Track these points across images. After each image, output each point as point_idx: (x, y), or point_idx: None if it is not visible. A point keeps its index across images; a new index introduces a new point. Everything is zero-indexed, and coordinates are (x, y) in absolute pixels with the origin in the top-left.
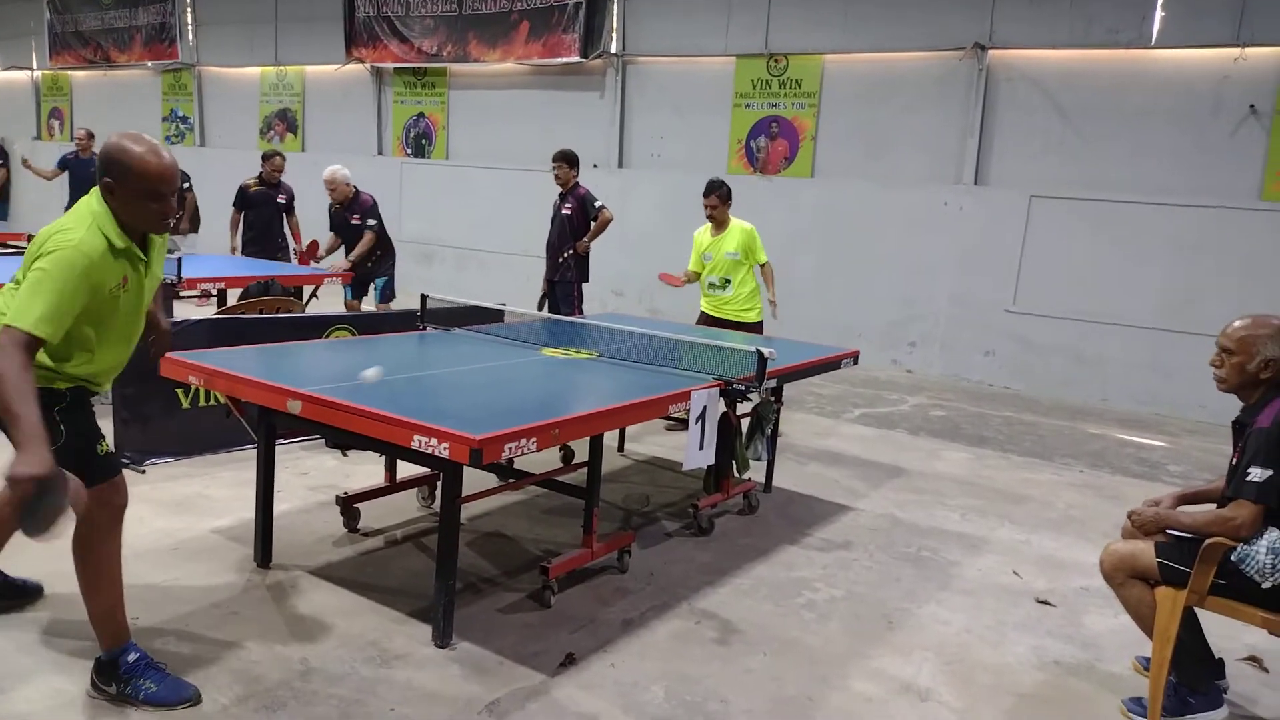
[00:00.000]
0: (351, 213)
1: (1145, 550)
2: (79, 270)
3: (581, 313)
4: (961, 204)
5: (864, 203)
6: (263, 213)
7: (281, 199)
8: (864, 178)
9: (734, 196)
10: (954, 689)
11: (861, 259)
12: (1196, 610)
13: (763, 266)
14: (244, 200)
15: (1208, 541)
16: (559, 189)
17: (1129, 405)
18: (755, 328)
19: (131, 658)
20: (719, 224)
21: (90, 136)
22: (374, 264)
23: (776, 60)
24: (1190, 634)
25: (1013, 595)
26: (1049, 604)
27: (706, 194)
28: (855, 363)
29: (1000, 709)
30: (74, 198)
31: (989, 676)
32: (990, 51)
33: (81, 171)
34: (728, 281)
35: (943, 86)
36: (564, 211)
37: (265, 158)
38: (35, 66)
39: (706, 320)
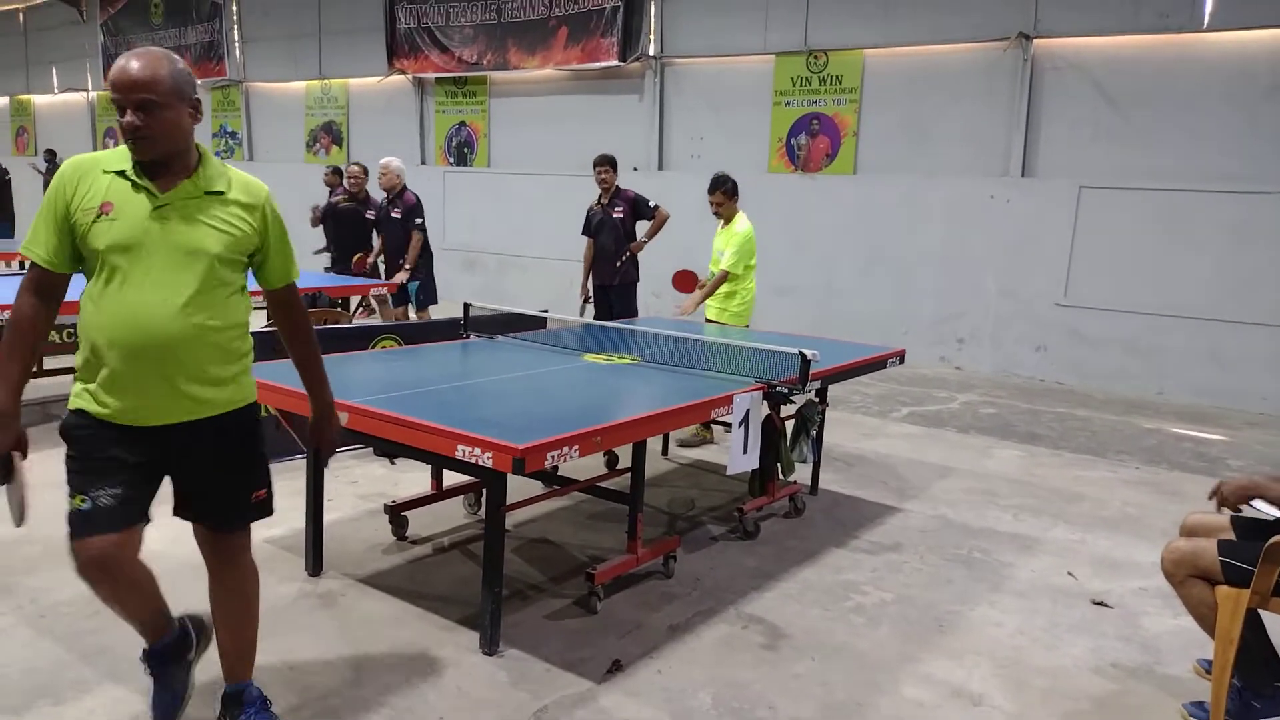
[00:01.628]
0: (394, 206)
1: (1207, 548)
2: (60, 180)
3: (638, 311)
4: (1009, 197)
5: (908, 198)
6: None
7: (371, 214)
8: (907, 173)
9: (776, 195)
10: (1007, 693)
11: (907, 255)
12: (1261, 611)
13: (726, 271)
14: (330, 215)
15: (1272, 539)
16: (601, 193)
17: (1186, 398)
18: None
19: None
20: (725, 220)
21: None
22: (405, 264)
23: (816, 57)
24: (1254, 635)
25: (1068, 597)
26: (1106, 605)
27: (710, 191)
28: (901, 362)
29: (1056, 714)
30: None
31: (1044, 680)
32: (1035, 41)
33: None
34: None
35: (987, 78)
36: (615, 215)
37: (337, 171)
38: (91, 88)
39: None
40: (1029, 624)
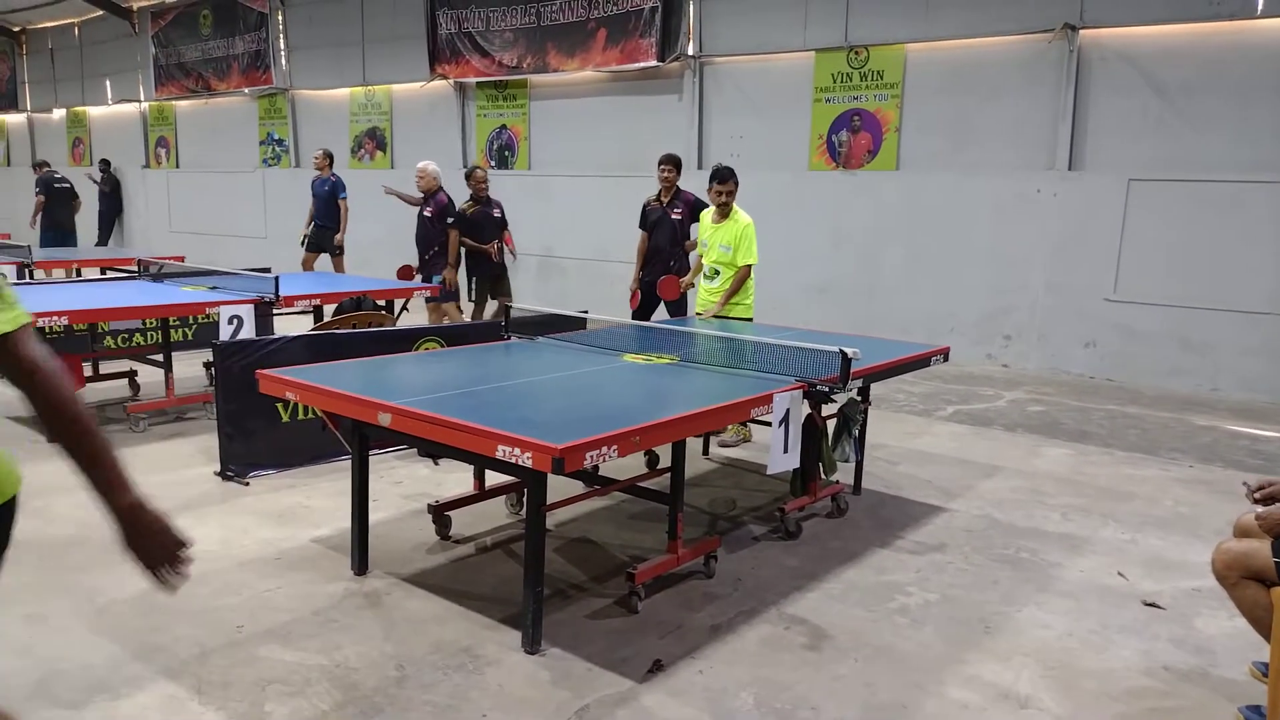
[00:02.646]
0: (427, 205)
1: (1260, 549)
2: None
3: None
4: (1055, 190)
5: (952, 193)
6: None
7: (497, 213)
8: (951, 168)
9: (817, 192)
10: (1056, 696)
11: (951, 252)
12: None
13: (749, 265)
14: (464, 222)
15: None
16: (661, 191)
17: (1241, 394)
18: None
19: None
20: (724, 212)
21: (328, 157)
22: (431, 259)
23: (857, 52)
24: None
25: (1118, 597)
26: (1157, 606)
27: (723, 180)
28: (946, 359)
29: (1106, 717)
30: (318, 214)
31: (1093, 683)
32: (1081, 31)
33: (319, 190)
34: (717, 272)
35: (1031, 70)
36: (674, 216)
37: (468, 175)
38: (142, 98)
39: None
40: (1078, 625)
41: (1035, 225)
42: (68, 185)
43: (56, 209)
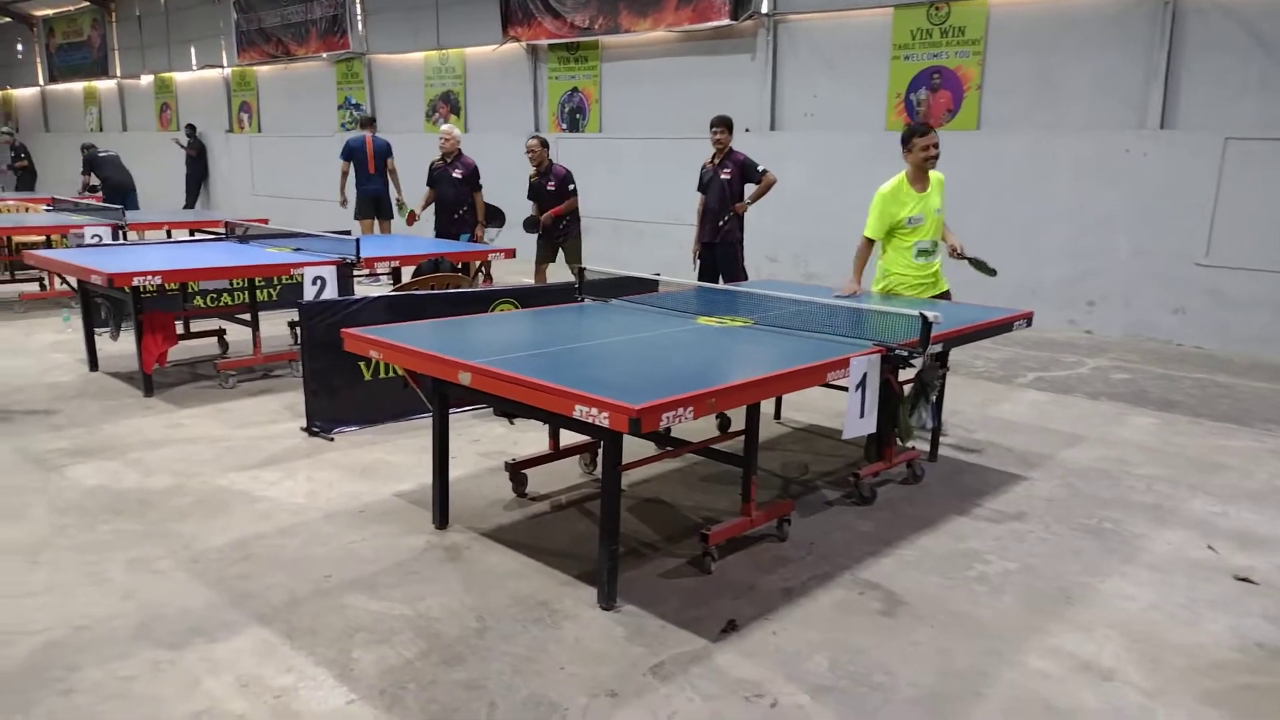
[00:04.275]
0: (455, 167)
1: None
2: None
3: (745, 273)
4: (1145, 150)
5: (1035, 154)
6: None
7: (551, 185)
8: (1035, 127)
9: (895, 152)
10: (1141, 670)
11: (1033, 214)
12: None
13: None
14: (532, 191)
15: None
16: (714, 154)
17: None
18: (946, 297)
19: None
20: (922, 176)
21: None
22: (460, 218)
23: (937, 8)
24: None
25: (1207, 571)
26: (1250, 581)
27: (922, 134)
28: (1029, 324)
29: (1196, 693)
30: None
31: (1181, 658)
32: None
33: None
34: (937, 244)
35: (1122, 25)
36: (723, 176)
37: (531, 148)
38: (225, 64)
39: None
40: (1165, 599)
41: (1123, 186)
42: (113, 154)
43: (112, 174)
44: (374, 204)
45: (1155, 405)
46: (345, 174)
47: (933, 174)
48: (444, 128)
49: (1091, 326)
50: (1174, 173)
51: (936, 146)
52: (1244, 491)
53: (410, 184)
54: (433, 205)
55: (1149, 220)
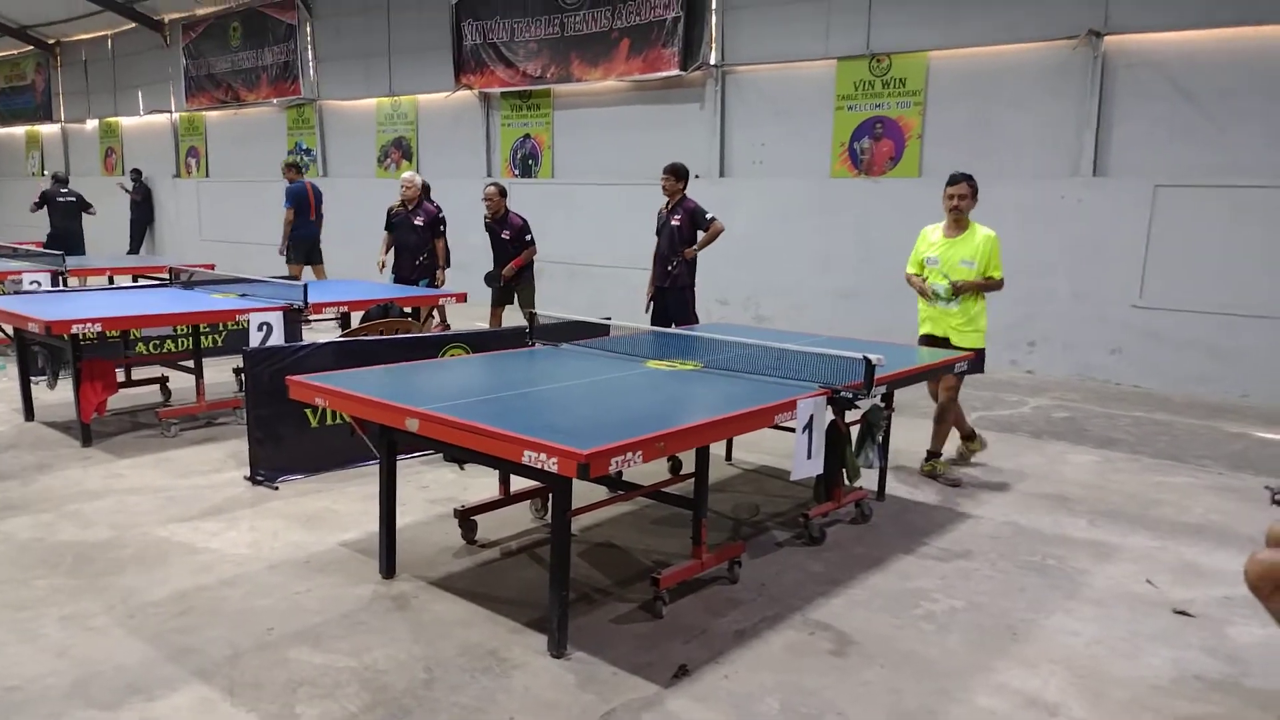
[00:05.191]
0: (417, 215)
1: None
2: None
3: (696, 317)
4: (1080, 196)
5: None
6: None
7: (506, 235)
8: (974, 175)
9: (839, 199)
10: (1085, 704)
11: None
12: None
13: (998, 283)
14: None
15: None
16: (668, 200)
17: (1272, 402)
18: (975, 354)
19: None
20: (959, 224)
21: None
22: (422, 264)
23: (879, 60)
24: None
25: (1148, 605)
26: (1188, 614)
27: (950, 183)
28: (972, 368)
29: None
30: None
31: (1123, 691)
32: (1106, 38)
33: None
34: (950, 292)
35: (1055, 77)
36: (674, 222)
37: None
38: (174, 109)
39: (926, 340)
40: (1107, 633)
41: (1060, 231)
42: (73, 199)
43: (61, 221)
44: (310, 249)
45: (1095, 443)
46: (289, 222)
47: (982, 230)
48: (405, 175)
49: (1033, 366)
50: (1108, 218)
51: (960, 197)
52: (1182, 526)
53: (362, 229)
54: (392, 251)
55: (1087, 264)
